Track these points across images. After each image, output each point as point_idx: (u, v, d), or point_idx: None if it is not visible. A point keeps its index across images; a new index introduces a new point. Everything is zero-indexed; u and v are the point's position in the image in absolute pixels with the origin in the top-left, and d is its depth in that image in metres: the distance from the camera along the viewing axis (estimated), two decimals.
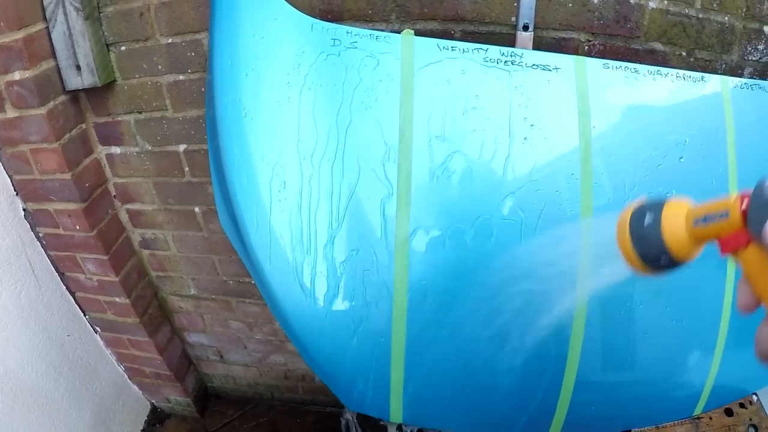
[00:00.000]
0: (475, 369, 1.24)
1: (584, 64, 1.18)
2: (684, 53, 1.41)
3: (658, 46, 1.40)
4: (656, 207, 0.67)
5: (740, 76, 1.47)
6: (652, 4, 1.34)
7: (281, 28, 1.13)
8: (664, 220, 0.65)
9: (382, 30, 1.35)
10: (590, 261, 1.03)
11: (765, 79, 1.41)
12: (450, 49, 1.15)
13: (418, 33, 1.19)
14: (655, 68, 1.21)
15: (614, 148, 1.18)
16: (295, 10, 1.15)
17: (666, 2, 1.35)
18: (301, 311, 1.14)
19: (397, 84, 1.14)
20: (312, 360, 1.21)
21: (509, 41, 1.36)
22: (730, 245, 0.61)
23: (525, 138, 1.16)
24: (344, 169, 1.13)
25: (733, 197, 0.59)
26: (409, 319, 1.16)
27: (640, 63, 1.24)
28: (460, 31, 1.39)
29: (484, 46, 1.16)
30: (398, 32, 1.18)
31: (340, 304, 1.14)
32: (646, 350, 1.25)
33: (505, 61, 1.16)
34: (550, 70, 1.17)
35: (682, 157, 1.20)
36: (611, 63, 1.19)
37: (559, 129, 1.17)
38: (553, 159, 1.17)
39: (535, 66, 1.16)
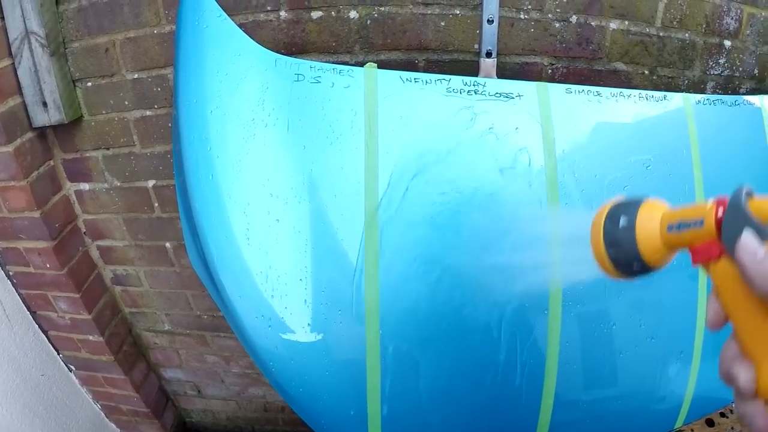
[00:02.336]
0: (454, 396, 1.23)
1: (547, 90, 1.19)
2: (647, 71, 1.43)
3: (621, 66, 1.41)
4: (631, 209, 0.65)
5: (703, 91, 1.49)
6: (612, 25, 1.36)
7: (245, 64, 1.13)
8: (639, 225, 0.63)
9: (347, 62, 1.36)
10: (561, 260, 1.05)
11: (726, 94, 1.43)
12: (413, 81, 1.16)
13: (382, 63, 1.20)
14: (618, 90, 1.23)
15: (581, 172, 1.18)
16: (259, 45, 1.15)
17: (627, 22, 1.37)
18: (273, 346, 1.13)
19: (361, 118, 1.14)
20: (287, 395, 1.19)
21: (473, 68, 1.37)
22: (702, 255, 0.58)
23: (489, 167, 1.17)
24: (311, 205, 1.13)
25: (709, 204, 0.57)
26: (382, 349, 1.15)
27: (604, 84, 1.26)
28: (424, 60, 1.40)
29: (447, 77, 1.16)
30: (363, 63, 1.18)
31: (312, 337, 1.13)
32: (623, 368, 1.26)
33: (468, 91, 1.16)
34: (512, 98, 1.17)
35: (647, 177, 1.21)
36: (574, 87, 1.20)
37: (524, 156, 1.17)
38: (520, 185, 1.17)
39: (497, 95, 1.17)
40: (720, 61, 1.48)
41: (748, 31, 1.48)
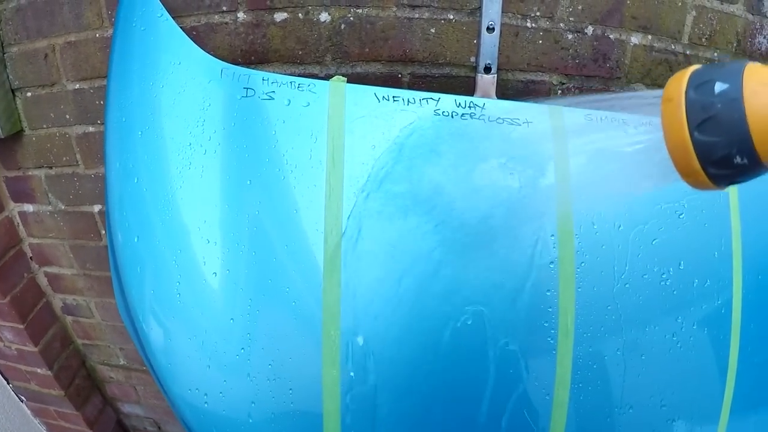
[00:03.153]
0: None
1: (562, 115, 0.98)
2: None
3: (641, 88, 1.28)
4: (732, 70, 0.45)
5: None
6: (634, 40, 1.23)
7: (185, 74, 0.94)
8: (748, 89, 0.43)
9: (315, 74, 1.20)
10: None
11: None
12: (392, 99, 0.95)
13: (358, 77, 1.06)
14: (647, 119, 1.03)
15: (601, 222, 0.99)
16: (203, 52, 0.96)
17: (650, 37, 1.23)
18: (212, 426, 0.93)
19: (322, 145, 0.93)
20: None
21: (468, 85, 1.22)
22: None
23: (488, 219, 0.97)
24: (257, 257, 0.92)
25: None
26: None
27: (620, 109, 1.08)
28: (409, 75, 1.24)
29: (435, 96, 0.96)
30: (333, 77, 1.00)
31: (258, 419, 0.93)
32: None
33: (462, 114, 0.95)
34: (519, 125, 0.97)
35: (679, 228, 1.02)
36: (595, 114, 0.99)
37: (531, 201, 0.97)
38: (525, 243, 0.97)
39: (500, 120, 0.96)
40: None
41: None
